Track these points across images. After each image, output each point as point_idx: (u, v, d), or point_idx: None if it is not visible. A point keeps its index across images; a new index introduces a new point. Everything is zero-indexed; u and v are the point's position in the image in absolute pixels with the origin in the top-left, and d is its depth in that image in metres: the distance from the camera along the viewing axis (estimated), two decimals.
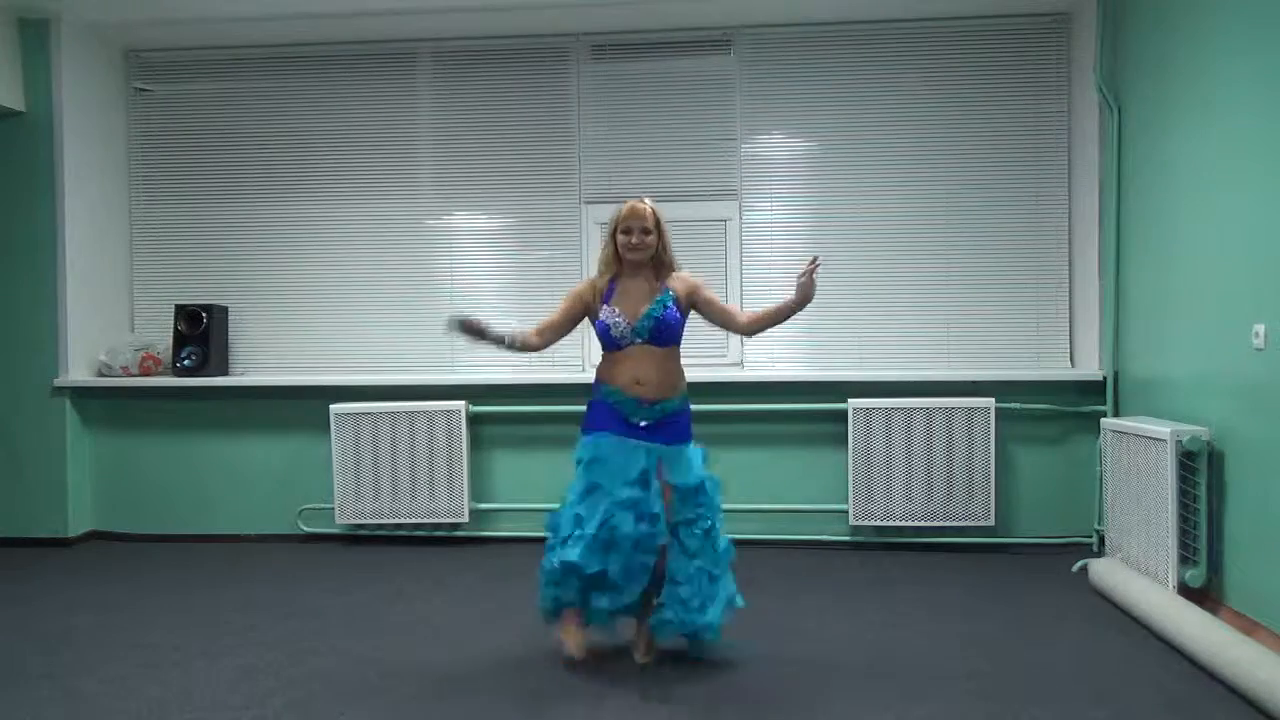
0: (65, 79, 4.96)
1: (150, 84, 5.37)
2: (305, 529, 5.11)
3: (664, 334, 3.11)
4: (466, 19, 4.95)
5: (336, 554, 4.86)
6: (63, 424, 5.04)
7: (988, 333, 4.95)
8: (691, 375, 3.29)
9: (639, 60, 5.13)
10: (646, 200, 3.21)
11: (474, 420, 5.00)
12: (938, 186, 4.96)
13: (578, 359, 5.07)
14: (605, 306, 3.14)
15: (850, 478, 4.74)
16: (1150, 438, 3.75)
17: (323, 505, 5.06)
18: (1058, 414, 4.74)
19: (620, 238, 3.16)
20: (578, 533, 3.00)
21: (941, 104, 4.95)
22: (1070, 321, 4.92)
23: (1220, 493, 3.54)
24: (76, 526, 5.09)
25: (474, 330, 3.10)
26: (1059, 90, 4.90)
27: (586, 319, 3.26)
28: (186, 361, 5.07)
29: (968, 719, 2.79)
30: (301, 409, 5.09)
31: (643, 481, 2.99)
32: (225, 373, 5.18)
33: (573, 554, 2.96)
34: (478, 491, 5.02)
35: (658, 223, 3.16)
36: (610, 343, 3.14)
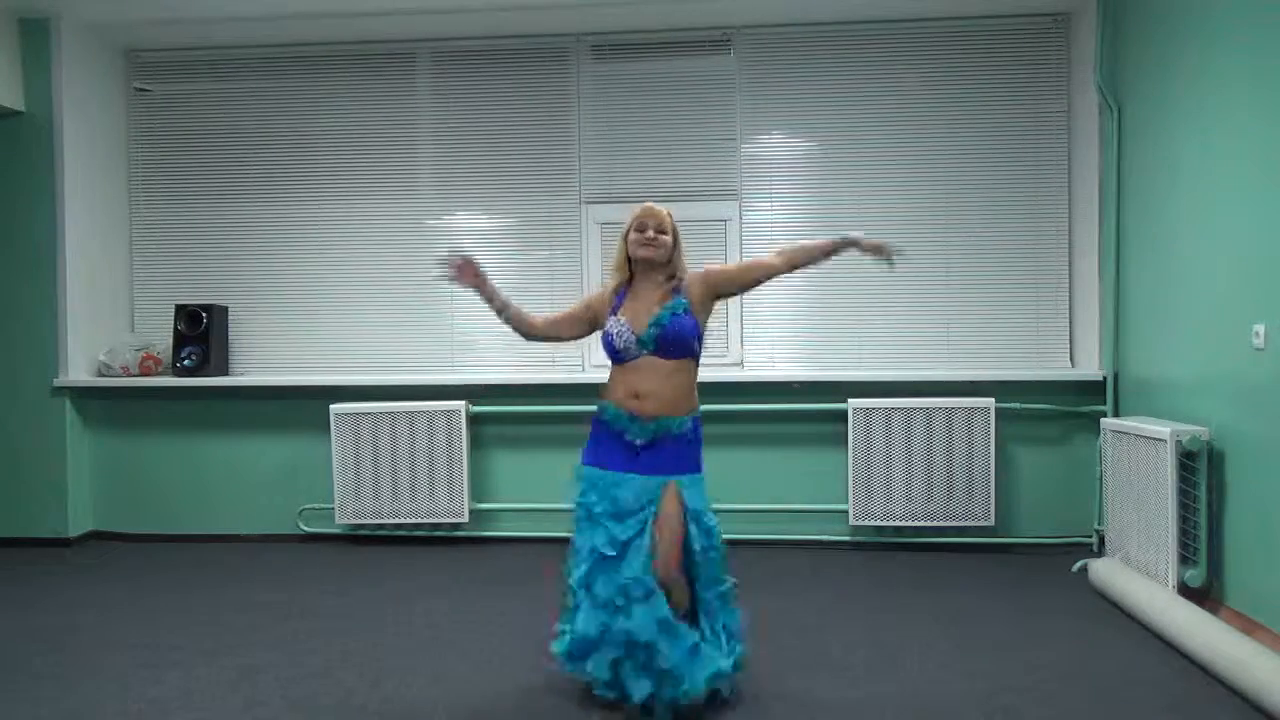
0: (65, 79, 4.96)
1: (150, 84, 5.37)
2: (305, 529, 5.11)
3: (673, 345, 2.82)
4: (466, 19, 4.95)
5: (336, 554, 4.86)
6: (63, 424, 5.04)
7: (988, 333, 4.95)
8: None
9: (639, 60, 5.13)
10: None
11: (474, 420, 5.00)
12: (938, 186, 4.96)
13: (578, 359, 5.06)
14: (612, 317, 2.89)
15: (850, 478, 4.74)
16: (1150, 438, 3.75)
17: (323, 505, 5.06)
18: (1058, 414, 4.74)
19: (633, 235, 2.92)
20: (582, 595, 2.77)
21: (941, 104, 4.95)
22: (1070, 321, 4.92)
23: (1220, 493, 3.54)
24: (76, 526, 5.09)
25: (474, 276, 2.86)
26: (1059, 90, 4.90)
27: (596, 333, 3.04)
28: (186, 361, 5.07)
29: (968, 719, 2.79)
30: (301, 409, 5.09)
31: (625, 521, 2.74)
32: (225, 373, 5.18)
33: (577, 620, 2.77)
34: (478, 491, 5.02)
35: (673, 228, 2.94)
36: (615, 354, 2.89)
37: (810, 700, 2.92)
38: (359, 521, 5.00)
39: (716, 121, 5.08)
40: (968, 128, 4.94)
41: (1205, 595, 3.56)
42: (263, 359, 5.31)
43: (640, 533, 2.74)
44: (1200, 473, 3.54)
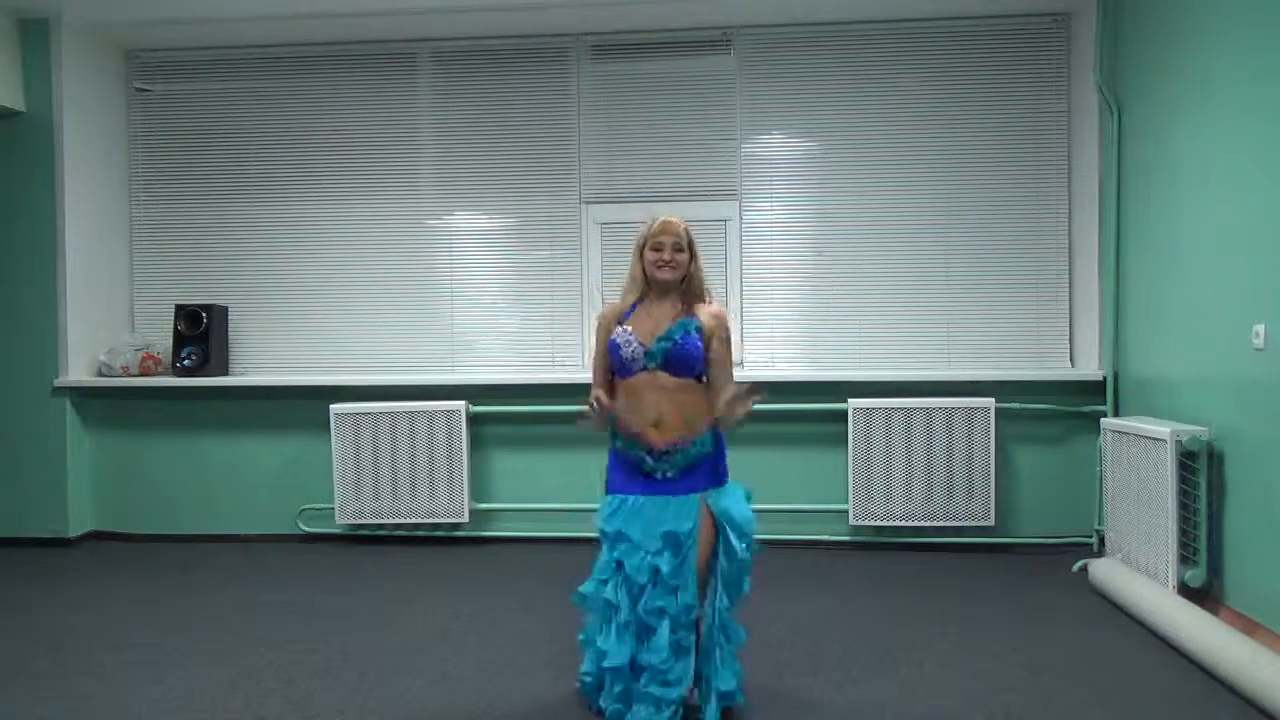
0: (65, 79, 4.96)
1: (150, 84, 5.37)
2: (305, 529, 5.11)
3: (680, 362, 2.73)
4: (466, 19, 4.95)
5: (336, 554, 4.86)
6: (63, 424, 5.03)
7: (988, 333, 4.95)
8: None
9: (639, 60, 5.13)
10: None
11: (474, 420, 5.00)
12: (938, 187, 4.96)
13: (578, 359, 5.07)
14: (620, 327, 2.80)
15: (850, 478, 4.74)
16: (1150, 437, 3.75)
17: (323, 505, 5.06)
18: (1058, 414, 4.74)
19: (649, 254, 2.79)
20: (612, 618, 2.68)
21: (941, 104, 4.95)
22: (1070, 321, 4.92)
23: (1220, 493, 3.54)
24: (76, 526, 5.09)
25: (611, 409, 2.75)
26: (1059, 90, 4.90)
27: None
28: (186, 361, 5.07)
29: (968, 719, 2.79)
30: (301, 409, 5.09)
31: (672, 546, 2.66)
32: (225, 373, 5.18)
33: (607, 646, 2.67)
34: (478, 491, 5.02)
35: (690, 242, 2.81)
36: (619, 365, 2.78)
37: (810, 700, 2.92)
38: (359, 521, 5.00)
39: (716, 121, 5.08)
40: (968, 128, 4.93)
41: (1205, 595, 3.56)
42: (263, 359, 5.31)
43: (684, 561, 2.66)
44: (1200, 473, 3.54)
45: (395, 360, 5.21)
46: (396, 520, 4.97)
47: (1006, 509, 4.76)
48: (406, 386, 5.02)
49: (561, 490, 4.91)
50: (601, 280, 5.02)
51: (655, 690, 2.62)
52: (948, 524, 4.71)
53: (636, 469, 2.75)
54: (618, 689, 2.67)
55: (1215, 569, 3.56)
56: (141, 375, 5.12)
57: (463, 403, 4.94)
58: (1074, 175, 4.87)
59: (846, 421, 4.73)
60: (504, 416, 5.02)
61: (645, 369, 2.74)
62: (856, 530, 4.82)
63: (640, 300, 2.84)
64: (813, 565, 4.52)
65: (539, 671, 3.16)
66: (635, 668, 2.66)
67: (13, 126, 4.96)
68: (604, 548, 2.74)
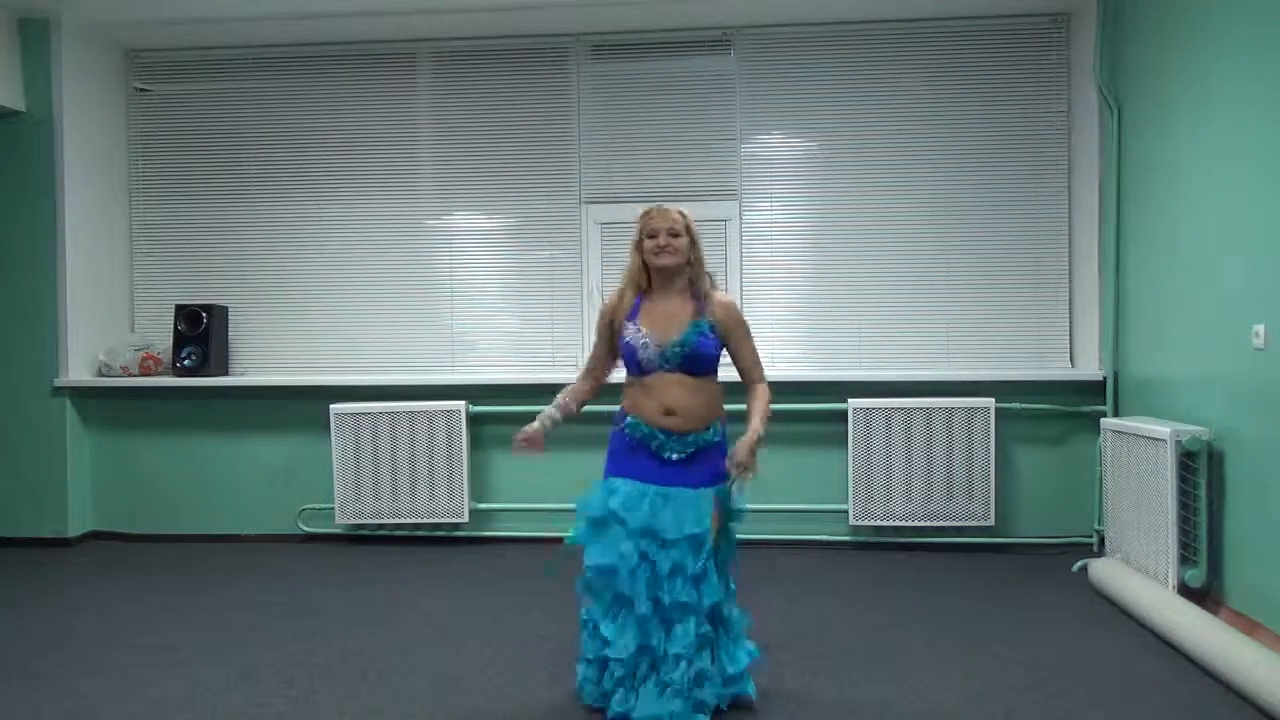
0: (65, 79, 4.96)
1: (150, 84, 5.37)
2: (305, 529, 5.11)
3: (697, 363, 2.74)
4: (466, 19, 4.95)
5: (336, 554, 4.86)
6: (63, 424, 5.03)
7: (988, 333, 4.95)
8: None
9: (639, 60, 5.13)
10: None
11: (474, 420, 5.00)
12: (938, 187, 4.96)
13: (578, 359, 5.06)
14: (630, 325, 2.76)
15: (850, 478, 4.73)
16: (1150, 438, 3.75)
17: (323, 505, 5.06)
18: (1058, 414, 4.74)
19: (647, 243, 2.77)
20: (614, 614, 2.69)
21: (941, 104, 4.95)
22: (1070, 321, 4.92)
23: (1220, 493, 3.54)
24: (76, 526, 5.09)
25: (542, 437, 2.83)
26: (1059, 90, 4.89)
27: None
28: (186, 361, 5.07)
29: (968, 719, 2.79)
30: (301, 409, 5.09)
31: (695, 548, 2.67)
32: (225, 373, 5.18)
33: (609, 633, 2.68)
34: (477, 491, 5.02)
35: (688, 227, 2.77)
36: (635, 366, 2.77)
37: (810, 700, 2.92)
38: (359, 521, 5.00)
39: (716, 121, 5.08)
40: (968, 127, 4.93)
41: (1205, 595, 3.56)
42: (263, 359, 5.31)
43: (709, 557, 2.68)
44: (1200, 473, 3.54)
45: (395, 360, 5.21)
46: (396, 520, 4.97)
47: (1006, 509, 4.76)
48: (406, 386, 5.02)
49: (561, 490, 4.87)
50: (602, 280, 5.02)
51: (677, 680, 2.62)
52: (948, 524, 4.71)
53: (643, 447, 2.73)
54: (619, 674, 2.69)
55: (1215, 569, 3.56)
56: (141, 375, 5.12)
57: (463, 403, 4.93)
58: (1074, 175, 4.87)
59: (846, 421, 4.73)
60: (504, 416, 5.01)
61: (661, 369, 2.74)
62: (856, 530, 4.82)
63: (644, 295, 2.81)
64: (813, 565, 4.52)
65: (538, 671, 3.16)
66: (641, 657, 2.66)
67: (13, 126, 4.96)
68: (612, 529, 2.67)
